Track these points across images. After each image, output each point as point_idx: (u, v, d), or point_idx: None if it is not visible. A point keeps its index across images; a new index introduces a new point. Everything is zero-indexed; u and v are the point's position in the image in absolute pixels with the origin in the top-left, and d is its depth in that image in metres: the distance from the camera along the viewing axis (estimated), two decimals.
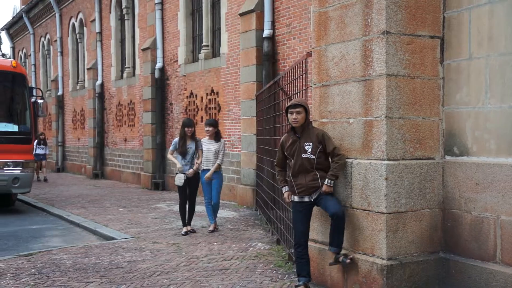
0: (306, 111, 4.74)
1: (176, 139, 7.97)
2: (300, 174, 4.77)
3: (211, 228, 8.10)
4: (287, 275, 5.51)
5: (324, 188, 4.72)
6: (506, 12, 4.24)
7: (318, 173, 4.72)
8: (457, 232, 4.60)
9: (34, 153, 16.43)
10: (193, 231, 8.01)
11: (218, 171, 7.93)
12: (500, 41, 4.29)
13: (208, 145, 7.89)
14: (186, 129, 7.80)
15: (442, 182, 4.71)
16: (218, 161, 7.86)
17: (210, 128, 7.90)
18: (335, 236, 4.73)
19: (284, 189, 5.05)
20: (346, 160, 4.76)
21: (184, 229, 7.95)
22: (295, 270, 5.08)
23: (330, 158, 4.76)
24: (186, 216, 8.04)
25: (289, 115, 4.78)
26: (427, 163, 4.65)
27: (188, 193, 7.97)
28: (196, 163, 7.88)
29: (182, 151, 7.79)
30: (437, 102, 4.72)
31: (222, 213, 9.77)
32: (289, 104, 4.87)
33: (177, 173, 7.86)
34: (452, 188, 4.64)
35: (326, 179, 4.72)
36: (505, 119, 4.25)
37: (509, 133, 4.23)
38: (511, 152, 4.20)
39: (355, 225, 4.73)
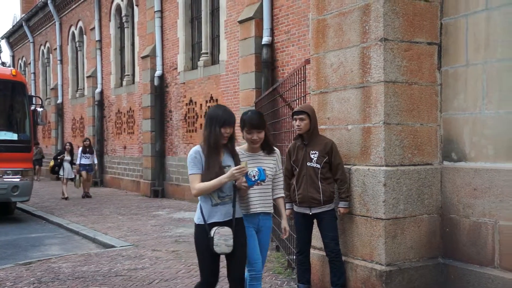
0: (311, 117, 4.69)
1: (196, 150, 3.75)
2: (303, 183, 4.65)
3: None
4: (286, 282, 5.50)
5: (341, 211, 4.69)
6: (503, 19, 4.27)
7: (321, 186, 4.59)
8: (455, 237, 4.61)
9: (78, 163, 14.58)
10: None
11: (270, 212, 4.12)
12: (496, 47, 4.32)
13: (255, 164, 3.93)
14: (222, 129, 3.70)
15: (440, 188, 4.73)
16: (282, 193, 4.23)
17: (261, 134, 4.00)
18: (336, 275, 4.65)
19: (288, 205, 4.88)
20: (345, 166, 4.77)
21: None
22: (295, 276, 5.08)
23: (332, 171, 4.67)
24: None
25: (293, 121, 4.76)
26: (425, 169, 4.67)
27: (230, 261, 3.79)
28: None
29: (218, 175, 3.65)
30: (435, 108, 4.74)
31: None
32: (293, 110, 4.86)
33: (214, 227, 3.67)
34: (450, 194, 4.65)
35: (342, 202, 4.67)
36: (502, 125, 4.27)
37: (506, 139, 4.24)
38: (509, 158, 4.22)
39: (354, 231, 4.73)
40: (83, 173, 14.56)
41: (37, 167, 20.97)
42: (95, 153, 15.17)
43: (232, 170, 3.58)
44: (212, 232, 3.63)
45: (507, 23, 4.24)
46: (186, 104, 13.54)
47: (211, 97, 12.39)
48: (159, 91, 14.66)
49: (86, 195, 14.66)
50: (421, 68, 4.66)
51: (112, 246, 7.82)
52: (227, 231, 3.66)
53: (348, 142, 4.81)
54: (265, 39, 10.18)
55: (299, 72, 5.56)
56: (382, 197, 4.45)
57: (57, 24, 22.38)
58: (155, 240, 8.14)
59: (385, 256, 4.44)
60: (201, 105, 12.86)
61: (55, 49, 22.96)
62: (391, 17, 4.50)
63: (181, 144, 13.82)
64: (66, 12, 21.75)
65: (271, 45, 10.20)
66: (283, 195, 4.22)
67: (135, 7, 16.37)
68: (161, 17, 14.54)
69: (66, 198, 14.22)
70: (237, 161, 3.82)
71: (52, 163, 14.84)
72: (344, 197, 4.66)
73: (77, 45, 21.24)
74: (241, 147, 4.08)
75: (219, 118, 3.72)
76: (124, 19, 17.15)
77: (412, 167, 4.59)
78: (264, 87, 9.99)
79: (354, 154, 4.75)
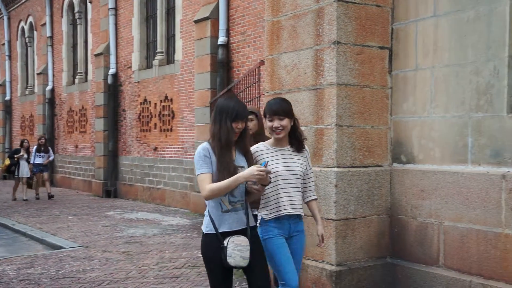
0: (258, 118, 4.71)
1: (205, 147, 3.22)
2: None
3: None
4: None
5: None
6: (450, 25, 4.42)
7: None
8: (403, 237, 4.72)
9: (32, 162, 13.50)
10: None
11: (301, 218, 3.60)
12: (444, 53, 4.46)
13: (283, 161, 3.45)
14: (234, 124, 3.19)
15: (390, 189, 4.84)
16: (314, 196, 3.67)
17: (283, 122, 3.43)
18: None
19: None
20: None
21: None
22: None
23: None
24: None
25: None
26: (376, 171, 4.77)
27: (251, 272, 3.34)
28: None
29: (232, 176, 3.11)
30: (386, 111, 4.85)
31: (174, 221, 9.68)
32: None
33: (228, 236, 3.16)
34: (399, 195, 4.77)
35: None
36: (448, 128, 4.42)
37: (452, 142, 4.39)
38: (454, 160, 4.36)
39: (305, 231, 4.76)
40: (38, 174, 13.69)
41: None
42: (51, 150, 14.16)
43: (254, 167, 3.01)
44: (226, 241, 3.11)
45: (453, 29, 4.39)
46: (140, 103, 13.34)
47: (166, 97, 12.27)
48: (113, 90, 14.38)
49: (49, 196, 13.66)
50: (372, 72, 4.76)
51: (61, 247, 7.59)
52: (243, 241, 3.14)
53: None
54: (221, 39, 10.15)
55: (254, 73, 5.58)
56: (333, 198, 4.52)
57: (5, 18, 21.61)
58: (106, 240, 7.97)
59: (336, 256, 4.51)
60: (155, 104, 12.71)
61: (3, 44, 22.15)
62: (344, 21, 4.57)
63: (135, 143, 13.61)
64: (15, 6, 21.03)
65: (226, 46, 10.18)
66: (315, 197, 3.67)
67: (88, 4, 15.99)
68: (116, 15, 14.26)
69: (16, 199, 13.59)
70: (250, 160, 3.29)
71: (7, 162, 13.79)
72: None
73: (27, 41, 20.55)
74: (266, 142, 3.53)
75: (230, 110, 3.19)
76: (77, 15, 16.73)
77: (363, 169, 4.68)
78: (220, 87, 9.95)
79: None
